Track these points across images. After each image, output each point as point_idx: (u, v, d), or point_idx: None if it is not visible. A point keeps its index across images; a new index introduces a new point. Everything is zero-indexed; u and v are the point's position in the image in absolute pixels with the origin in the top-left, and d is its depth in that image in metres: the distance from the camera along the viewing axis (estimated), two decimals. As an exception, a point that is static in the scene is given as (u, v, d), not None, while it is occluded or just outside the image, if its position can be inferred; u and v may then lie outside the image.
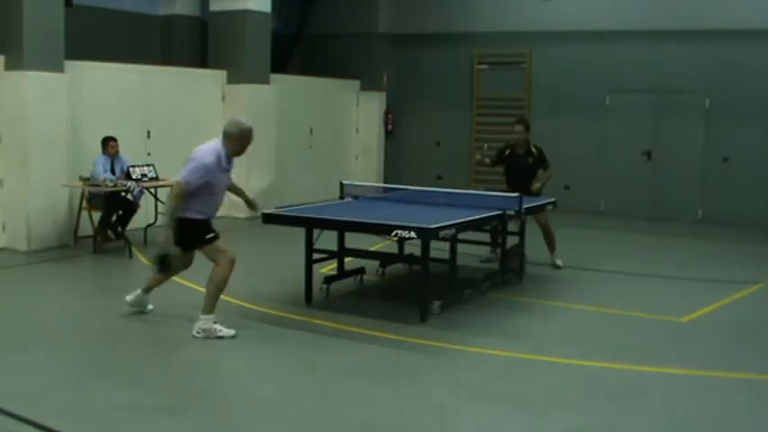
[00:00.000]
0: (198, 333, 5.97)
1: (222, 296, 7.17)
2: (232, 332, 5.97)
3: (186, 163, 5.97)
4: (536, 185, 8.59)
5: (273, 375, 5.42)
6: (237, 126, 6.03)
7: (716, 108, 12.49)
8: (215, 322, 5.98)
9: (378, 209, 7.52)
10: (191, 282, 7.83)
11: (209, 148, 5.99)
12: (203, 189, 5.90)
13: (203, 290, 7.51)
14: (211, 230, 6.05)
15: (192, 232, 5.97)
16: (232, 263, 6.01)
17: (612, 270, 8.97)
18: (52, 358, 5.59)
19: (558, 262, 8.85)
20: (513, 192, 8.03)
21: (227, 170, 6.12)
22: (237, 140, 6.02)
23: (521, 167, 8.73)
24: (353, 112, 15.14)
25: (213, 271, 6.02)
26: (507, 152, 8.86)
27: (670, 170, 12.90)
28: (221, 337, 5.92)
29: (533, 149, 8.75)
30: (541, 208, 8.34)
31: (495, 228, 8.14)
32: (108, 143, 9.33)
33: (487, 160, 8.99)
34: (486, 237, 8.74)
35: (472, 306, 7.12)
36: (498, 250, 8.40)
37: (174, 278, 8.02)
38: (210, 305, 6.02)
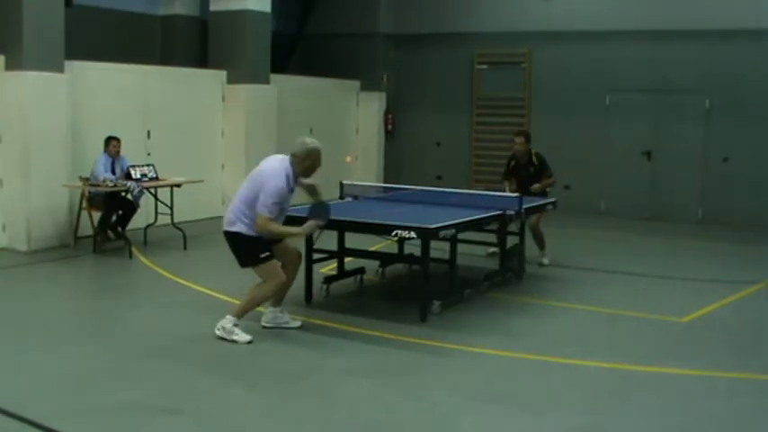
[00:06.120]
0: (218, 330, 5.98)
1: (222, 296, 7.18)
2: (248, 338, 5.93)
3: (252, 182, 5.93)
4: (534, 187, 8.69)
5: (273, 375, 5.41)
6: (303, 145, 6.04)
7: (716, 108, 12.49)
8: (236, 325, 5.97)
9: (378, 209, 7.51)
10: (191, 282, 7.84)
11: (278, 167, 5.95)
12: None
13: (202, 289, 7.51)
14: (268, 249, 6.02)
15: (250, 249, 5.97)
16: (279, 285, 6.08)
17: (612, 270, 8.97)
18: (52, 358, 5.58)
19: (545, 261, 8.92)
20: None
21: (293, 190, 6.11)
22: (303, 160, 6.00)
23: (524, 177, 8.90)
24: (353, 113, 15.14)
25: (260, 285, 6.04)
26: (512, 163, 9.07)
27: (670, 170, 12.90)
28: (235, 341, 5.89)
29: (534, 159, 8.91)
30: (542, 209, 8.34)
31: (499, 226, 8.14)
32: (110, 143, 9.33)
33: (508, 191, 8.98)
34: (486, 237, 8.73)
35: (472, 306, 7.12)
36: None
37: (175, 278, 8.05)
38: (241, 311, 6.03)
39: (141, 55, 11.80)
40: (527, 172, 8.88)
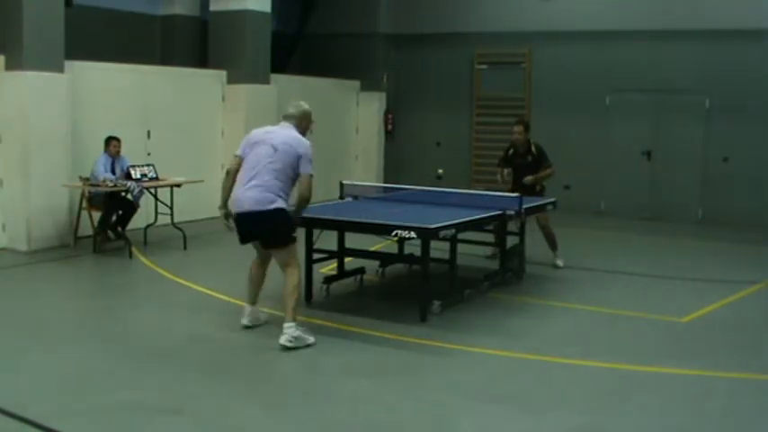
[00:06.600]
0: (289, 342, 5.75)
1: (222, 296, 7.18)
2: (313, 339, 5.90)
3: (281, 155, 5.89)
4: (528, 178, 8.72)
5: (273, 375, 5.42)
6: (299, 107, 6.18)
7: (716, 108, 12.49)
8: (300, 329, 5.88)
9: (378, 209, 7.51)
10: (191, 282, 7.84)
11: (294, 132, 6.05)
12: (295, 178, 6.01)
13: (202, 289, 7.50)
14: (295, 229, 6.12)
15: (288, 227, 5.99)
16: (299, 266, 6.08)
17: (612, 270, 8.97)
18: (52, 358, 5.58)
19: (559, 262, 8.89)
20: (518, 190, 8.35)
21: None
22: (301, 120, 6.14)
23: (522, 166, 8.92)
24: (353, 113, 15.15)
25: (289, 276, 5.94)
26: (510, 152, 9.07)
27: (670, 170, 12.89)
28: (309, 345, 5.83)
29: (533, 148, 8.90)
30: (542, 208, 8.35)
31: (498, 226, 8.15)
32: (110, 142, 9.33)
33: (501, 177, 9.07)
34: (486, 237, 8.74)
35: (472, 306, 7.12)
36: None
37: (175, 278, 8.05)
38: (294, 311, 5.88)
39: (141, 55, 11.80)
40: (524, 161, 8.89)
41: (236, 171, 6.04)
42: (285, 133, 6.03)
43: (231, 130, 12.03)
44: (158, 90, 11.13)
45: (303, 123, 6.15)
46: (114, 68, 10.46)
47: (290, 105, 6.24)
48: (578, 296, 7.67)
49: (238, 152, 6.09)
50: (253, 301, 6.29)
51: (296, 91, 13.22)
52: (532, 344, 6.10)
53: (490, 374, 5.48)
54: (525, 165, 8.85)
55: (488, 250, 9.03)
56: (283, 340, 5.75)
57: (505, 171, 9.02)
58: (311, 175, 5.96)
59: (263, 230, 5.98)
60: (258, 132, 6.11)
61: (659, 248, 10.66)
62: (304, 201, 6.01)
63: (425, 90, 14.91)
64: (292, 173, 5.94)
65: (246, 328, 6.22)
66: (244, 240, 6.12)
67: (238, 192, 5.97)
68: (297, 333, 5.81)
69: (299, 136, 6.04)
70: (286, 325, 5.81)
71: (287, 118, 6.14)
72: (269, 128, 6.16)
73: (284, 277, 5.97)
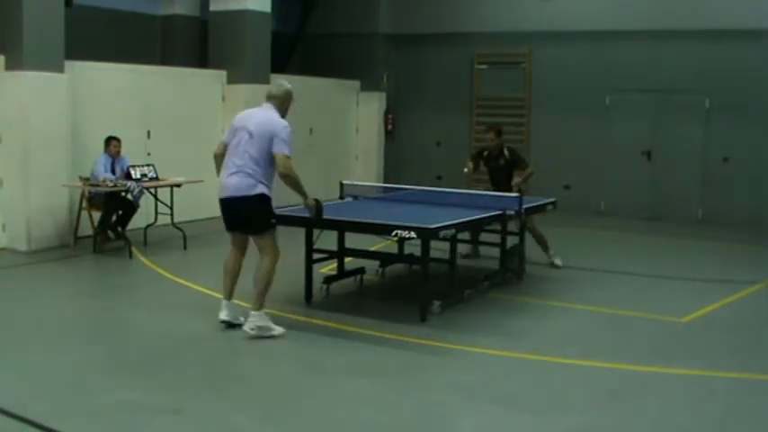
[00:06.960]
0: (252, 330, 5.86)
1: (222, 296, 7.17)
2: (282, 329, 5.95)
3: (258, 138, 5.84)
4: (515, 181, 8.79)
5: (274, 375, 5.42)
6: (281, 87, 6.16)
7: (716, 108, 12.49)
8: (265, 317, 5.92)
9: (378, 209, 7.51)
10: (191, 282, 7.84)
11: (273, 114, 5.99)
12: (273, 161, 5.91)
13: (202, 289, 7.49)
14: (275, 216, 6.05)
15: (268, 214, 5.96)
16: (278, 256, 6.02)
17: (612, 270, 8.97)
18: (52, 358, 5.58)
19: (557, 261, 8.87)
20: (494, 191, 8.63)
21: None
22: (284, 101, 6.12)
23: (496, 169, 9.11)
24: (353, 113, 15.15)
25: (262, 263, 5.96)
26: (485, 153, 9.20)
27: (670, 170, 12.90)
28: (274, 336, 5.87)
29: (506, 152, 9.06)
30: (538, 210, 8.32)
31: (478, 225, 8.11)
32: (110, 142, 9.33)
33: (466, 170, 9.17)
34: (486, 237, 8.74)
35: (472, 306, 7.12)
36: (476, 246, 9.07)
37: (175, 278, 8.05)
38: (260, 298, 5.92)
39: (141, 55, 11.80)
40: (498, 163, 9.05)
41: (222, 156, 6.11)
42: (262, 115, 6.01)
43: (231, 130, 12.03)
44: (158, 90, 11.13)
45: (285, 104, 6.14)
46: (114, 68, 10.46)
47: (273, 85, 6.25)
48: (578, 296, 7.67)
49: (224, 138, 6.17)
50: (229, 296, 6.24)
51: (296, 91, 13.17)
52: (532, 344, 6.10)
53: (490, 374, 5.48)
54: (499, 167, 9.05)
55: (464, 249, 9.00)
56: (246, 327, 5.80)
57: (465, 170, 9.12)
58: (287, 156, 5.84)
59: (243, 216, 5.99)
60: (239, 118, 6.13)
61: (659, 248, 10.66)
62: (288, 180, 5.85)
63: (425, 90, 14.91)
64: (270, 156, 5.88)
65: (223, 322, 6.16)
66: (230, 226, 6.14)
67: (223, 178, 6.03)
68: (262, 323, 5.84)
69: (276, 117, 5.99)
70: (252, 312, 5.84)
71: (269, 98, 6.11)
72: (250, 111, 6.16)
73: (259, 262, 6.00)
